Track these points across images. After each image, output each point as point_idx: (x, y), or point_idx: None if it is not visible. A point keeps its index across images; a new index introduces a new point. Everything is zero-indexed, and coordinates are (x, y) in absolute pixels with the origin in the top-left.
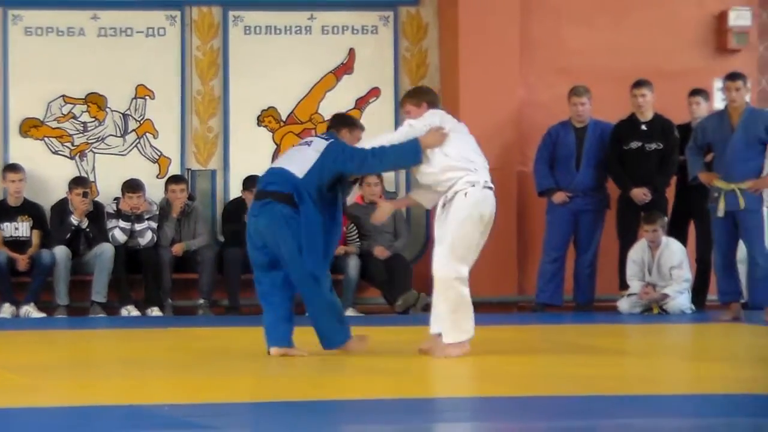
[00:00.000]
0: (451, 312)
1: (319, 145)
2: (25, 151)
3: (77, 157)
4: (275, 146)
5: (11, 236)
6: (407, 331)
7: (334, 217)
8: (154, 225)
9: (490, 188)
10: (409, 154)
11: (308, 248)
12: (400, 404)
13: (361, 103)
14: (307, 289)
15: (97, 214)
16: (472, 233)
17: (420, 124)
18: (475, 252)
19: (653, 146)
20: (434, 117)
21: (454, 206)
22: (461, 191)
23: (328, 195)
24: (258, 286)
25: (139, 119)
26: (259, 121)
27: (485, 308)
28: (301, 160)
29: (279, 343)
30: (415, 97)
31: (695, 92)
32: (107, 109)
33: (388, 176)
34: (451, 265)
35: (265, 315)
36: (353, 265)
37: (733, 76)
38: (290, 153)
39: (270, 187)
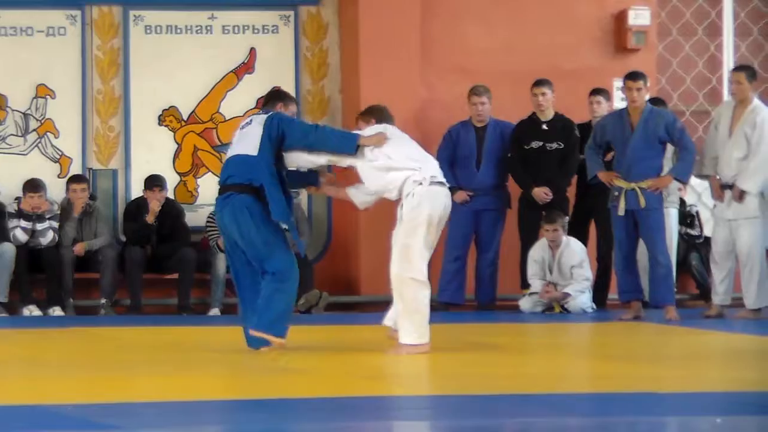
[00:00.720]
0: (408, 312)
1: (261, 119)
2: None
3: None
4: (176, 146)
5: None
6: (310, 330)
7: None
8: (56, 225)
9: (439, 183)
10: (347, 141)
11: (280, 212)
12: (308, 403)
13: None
14: (269, 278)
15: None
16: (422, 233)
17: (363, 132)
18: (429, 250)
19: (554, 146)
20: (377, 127)
21: (404, 209)
22: (409, 194)
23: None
24: (236, 284)
25: (39, 119)
26: (160, 120)
27: (386, 307)
28: (249, 139)
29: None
30: (366, 114)
31: (596, 91)
32: (8, 109)
33: None
34: (403, 265)
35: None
36: None
37: (633, 76)
38: (237, 138)
39: (229, 181)
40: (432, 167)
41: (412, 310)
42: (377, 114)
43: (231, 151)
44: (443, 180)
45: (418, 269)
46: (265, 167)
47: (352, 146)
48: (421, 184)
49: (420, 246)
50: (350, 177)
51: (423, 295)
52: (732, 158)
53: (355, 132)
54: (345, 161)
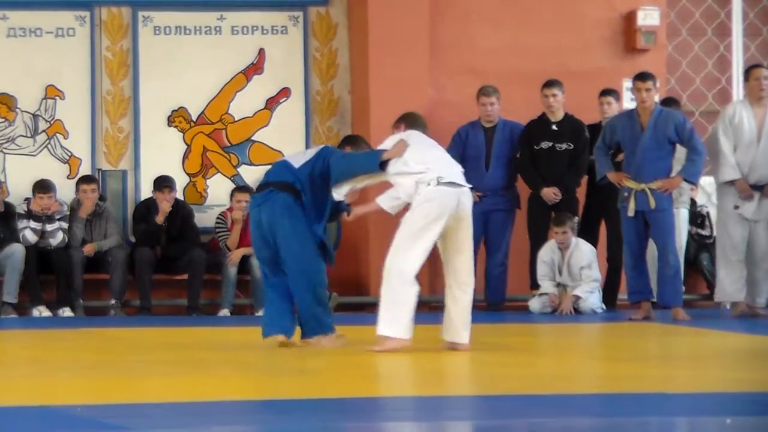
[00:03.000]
0: (385, 305)
1: (318, 148)
2: None
3: None
4: (186, 146)
5: None
6: None
7: (321, 214)
8: (65, 225)
9: (449, 184)
10: (371, 160)
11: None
12: (317, 404)
13: (272, 103)
14: (298, 276)
15: (7, 214)
16: (421, 230)
17: (386, 144)
18: (426, 253)
19: (564, 146)
20: (398, 135)
21: (411, 206)
22: (418, 195)
23: (321, 192)
24: (264, 279)
25: (49, 120)
26: (170, 121)
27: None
28: (301, 157)
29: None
30: (398, 121)
31: (606, 92)
32: (17, 110)
33: None
34: (393, 257)
35: (267, 304)
36: None
37: (642, 77)
38: (296, 153)
39: (272, 178)
40: (442, 168)
41: (393, 302)
42: (407, 120)
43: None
44: (457, 180)
45: (406, 264)
46: (300, 184)
47: (375, 163)
48: (429, 185)
49: (413, 241)
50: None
51: (407, 291)
52: None
53: (378, 149)
54: (378, 178)
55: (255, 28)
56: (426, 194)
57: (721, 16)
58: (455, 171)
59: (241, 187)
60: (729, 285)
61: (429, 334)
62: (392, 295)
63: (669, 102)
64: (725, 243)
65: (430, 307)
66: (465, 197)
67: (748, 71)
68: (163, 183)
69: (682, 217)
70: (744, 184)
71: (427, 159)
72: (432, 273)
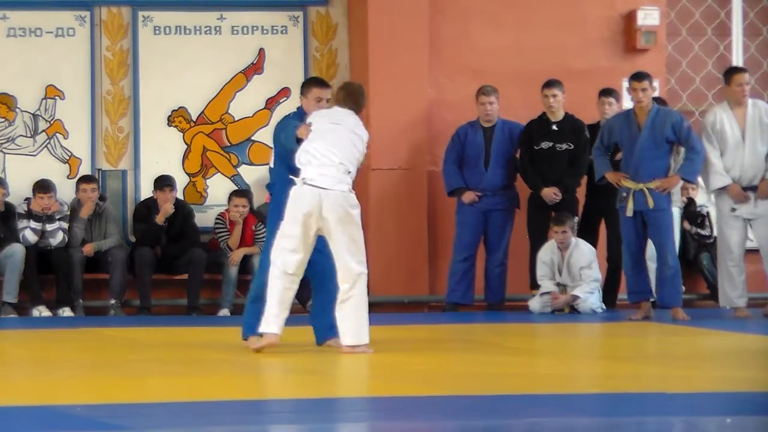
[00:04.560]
0: (267, 302)
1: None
2: None
3: None
4: (185, 146)
5: None
6: None
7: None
8: (65, 225)
9: (312, 185)
10: (289, 136)
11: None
12: (317, 403)
13: (272, 103)
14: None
15: (7, 214)
16: (285, 228)
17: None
18: (295, 246)
19: (564, 146)
20: (311, 117)
21: None
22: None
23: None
24: None
25: (49, 120)
26: (170, 121)
27: (396, 308)
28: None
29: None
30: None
31: (607, 92)
32: (17, 110)
33: None
34: (271, 257)
35: None
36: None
37: (638, 76)
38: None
39: None
40: (314, 167)
41: (267, 296)
42: (340, 93)
43: None
44: (318, 182)
45: (275, 261)
46: (277, 180)
47: (291, 140)
48: (297, 182)
49: (279, 238)
50: None
51: (275, 284)
52: (757, 154)
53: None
54: None
55: (255, 27)
56: (291, 194)
57: (721, 16)
58: (326, 170)
59: (238, 191)
60: (729, 291)
61: (428, 334)
62: (269, 291)
63: (656, 102)
64: (722, 247)
65: (429, 306)
66: (327, 199)
67: (730, 76)
68: (164, 182)
69: (674, 215)
70: (736, 189)
71: (313, 150)
72: (432, 273)
